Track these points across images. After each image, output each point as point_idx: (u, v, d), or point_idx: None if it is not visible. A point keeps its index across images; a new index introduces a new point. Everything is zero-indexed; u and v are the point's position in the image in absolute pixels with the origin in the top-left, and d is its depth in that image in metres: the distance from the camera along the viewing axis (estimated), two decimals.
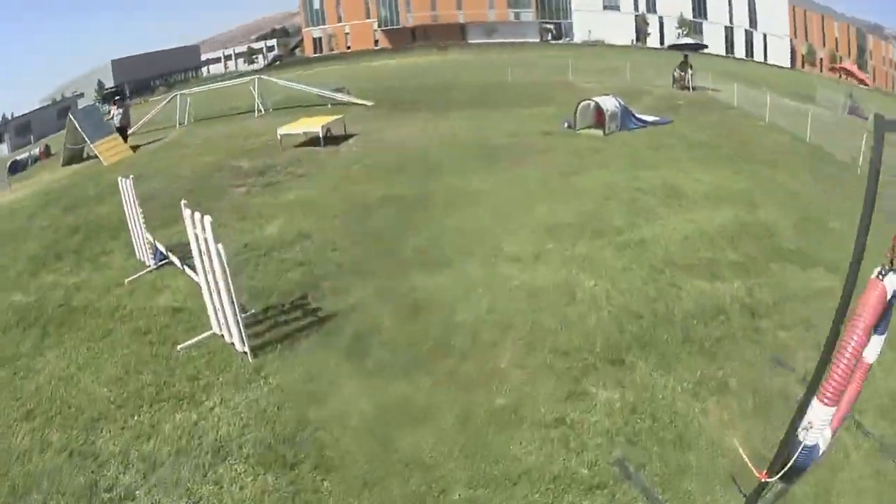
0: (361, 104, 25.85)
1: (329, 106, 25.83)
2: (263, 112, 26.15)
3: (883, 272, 3.55)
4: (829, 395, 3.68)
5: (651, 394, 6.10)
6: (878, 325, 3.79)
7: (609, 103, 19.38)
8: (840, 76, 65.45)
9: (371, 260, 9.46)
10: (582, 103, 19.49)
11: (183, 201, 7.29)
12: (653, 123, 20.55)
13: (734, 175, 14.35)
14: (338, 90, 28.76)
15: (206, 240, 6.55)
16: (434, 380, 6.41)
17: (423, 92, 29.98)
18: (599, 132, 18.74)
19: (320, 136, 17.63)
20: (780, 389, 6.23)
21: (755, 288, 8.42)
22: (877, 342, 3.93)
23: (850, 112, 32.21)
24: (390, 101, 26.85)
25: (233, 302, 6.62)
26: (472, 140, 17.79)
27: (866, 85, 46.24)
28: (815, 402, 3.79)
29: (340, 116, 19.79)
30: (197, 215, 6.61)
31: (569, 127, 19.43)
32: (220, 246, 6.37)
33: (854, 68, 53.16)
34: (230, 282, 6.57)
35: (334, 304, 8.03)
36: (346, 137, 18.69)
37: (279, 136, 17.85)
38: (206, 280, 6.99)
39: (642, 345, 6.92)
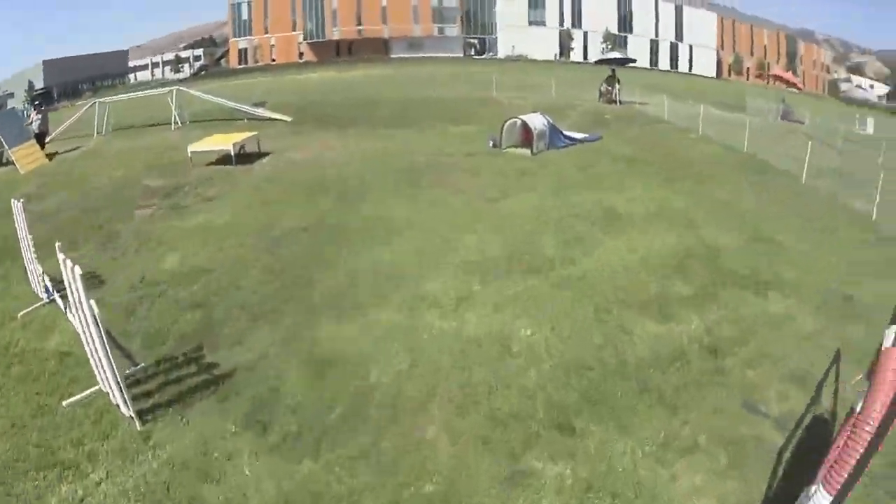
0: (280, 119, 26.12)
1: (245, 121, 25.89)
2: (180, 124, 26.15)
3: None
4: (835, 484, 3.09)
5: (608, 465, 5.44)
6: None
7: (536, 121, 19.20)
8: (768, 82, 69.55)
9: (276, 303, 8.70)
10: (508, 121, 19.26)
11: (58, 244, 6.59)
12: (582, 141, 20.60)
13: (671, 193, 14.27)
14: (257, 104, 28.95)
15: (78, 294, 5.79)
16: (348, 457, 5.60)
17: (344, 108, 30.10)
18: (527, 151, 18.50)
19: (232, 154, 17.31)
20: (755, 438, 5.79)
21: (712, 323, 7.98)
22: None
23: (783, 117, 33.64)
24: (311, 116, 27.01)
25: (112, 365, 5.82)
26: (392, 161, 17.47)
27: (798, 89, 48.72)
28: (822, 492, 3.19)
29: (255, 134, 19.66)
30: (69, 263, 5.84)
31: (494, 146, 19.13)
32: (92, 302, 5.65)
33: (786, 74, 56.13)
34: (106, 343, 5.78)
35: (233, 357, 7.28)
36: (261, 156, 18.45)
37: (189, 154, 17.52)
38: (84, 335, 6.22)
39: (593, 403, 6.25)
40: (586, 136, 21.33)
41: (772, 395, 6.44)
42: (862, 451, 3.01)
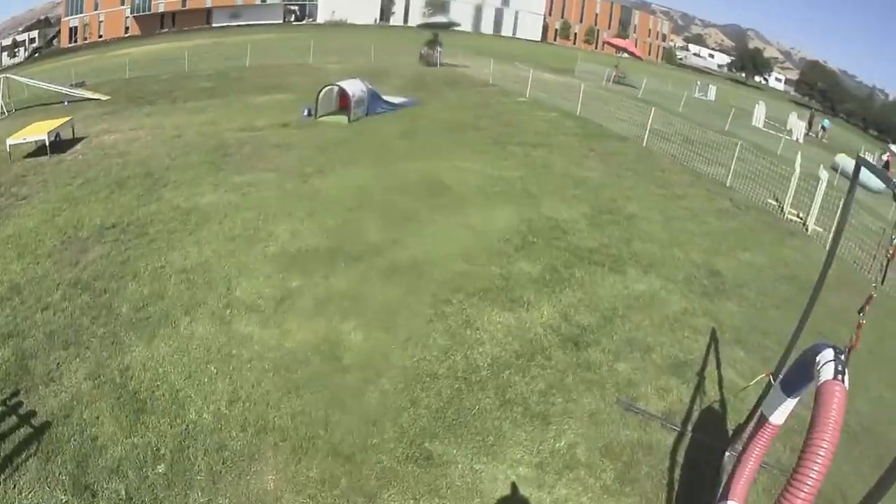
0: (96, 99, 25.73)
1: (66, 104, 25.16)
2: (6, 114, 25.17)
3: (840, 368, 3.17)
4: None
5: (480, 497, 4.87)
6: (794, 390, 4.11)
7: (354, 87, 18.83)
8: (596, 47, 74.43)
9: (84, 323, 7.61)
10: (325, 88, 18.76)
11: None
12: (401, 105, 20.66)
13: (503, 161, 14.12)
14: (78, 85, 29.36)
15: None
16: None
17: (160, 82, 29.45)
18: (344, 119, 18.10)
19: (46, 143, 16.72)
20: (641, 443, 5.50)
21: (568, 308, 7.57)
22: (788, 405, 4.23)
23: (615, 81, 35.78)
24: (127, 93, 26.42)
25: None
26: (203, 138, 16.59)
27: (635, 56, 52.19)
28: None
29: (70, 119, 19.06)
30: None
31: (309, 115, 18.54)
32: None
33: (619, 40, 60.18)
34: None
35: (48, 399, 6.27)
36: (75, 142, 17.54)
37: (8, 147, 16.71)
38: None
39: (448, 424, 5.56)
40: (405, 100, 21.49)
41: (650, 391, 6.13)
42: (812, 491, 2.81)
